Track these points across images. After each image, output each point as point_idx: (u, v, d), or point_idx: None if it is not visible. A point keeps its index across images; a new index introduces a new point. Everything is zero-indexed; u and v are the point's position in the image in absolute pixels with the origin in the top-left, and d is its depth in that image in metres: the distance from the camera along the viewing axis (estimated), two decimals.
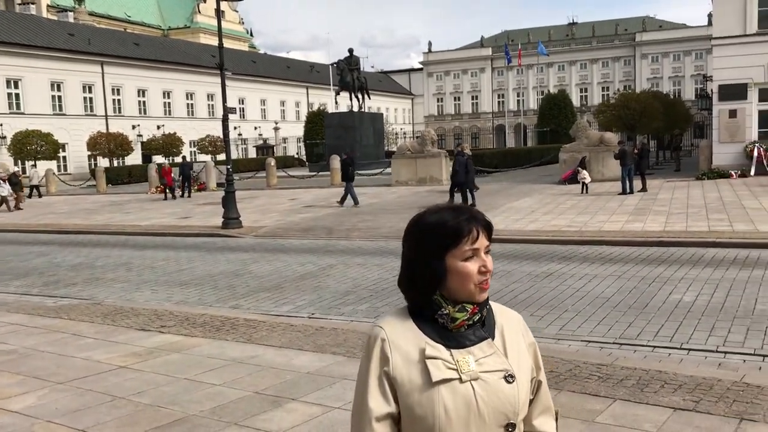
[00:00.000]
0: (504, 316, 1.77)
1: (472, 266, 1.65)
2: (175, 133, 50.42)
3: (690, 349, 6.37)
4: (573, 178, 24.51)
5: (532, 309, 8.09)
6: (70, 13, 69.68)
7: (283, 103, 74.24)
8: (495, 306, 1.78)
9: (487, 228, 1.68)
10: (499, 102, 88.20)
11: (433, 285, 1.67)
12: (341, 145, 38.72)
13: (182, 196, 30.09)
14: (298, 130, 63.61)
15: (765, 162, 23.94)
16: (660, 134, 38.97)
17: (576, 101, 72.86)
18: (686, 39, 78.90)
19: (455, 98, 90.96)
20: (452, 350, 1.64)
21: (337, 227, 16.89)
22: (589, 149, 26.00)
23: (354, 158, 23.60)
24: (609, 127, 32.06)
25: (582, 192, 21.68)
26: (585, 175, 22.22)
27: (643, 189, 21.51)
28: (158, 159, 46.81)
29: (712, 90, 32.97)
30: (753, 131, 24.90)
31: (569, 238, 13.19)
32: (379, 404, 1.64)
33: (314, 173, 38.08)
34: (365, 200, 22.34)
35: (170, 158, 47.72)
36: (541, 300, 8.51)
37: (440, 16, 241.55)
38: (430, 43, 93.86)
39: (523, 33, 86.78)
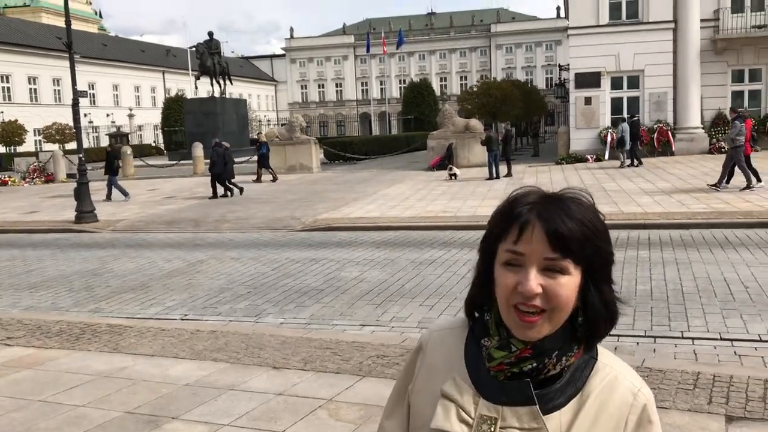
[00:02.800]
0: (608, 386, 1.17)
1: (509, 277, 1.13)
2: (16, 121, 46.17)
3: None
4: (441, 165, 24.78)
5: (421, 299, 7.81)
6: None
7: (137, 89, 70.29)
8: (608, 364, 1.20)
9: (556, 233, 1.11)
10: (363, 90, 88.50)
11: (477, 289, 1.22)
12: (203, 132, 37.13)
13: None
14: (155, 116, 60.54)
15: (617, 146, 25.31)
16: (518, 121, 40.47)
17: (437, 89, 74.43)
18: (537, 31, 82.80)
19: (319, 85, 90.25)
20: (481, 399, 1.17)
21: (203, 219, 15.95)
22: (456, 136, 26.37)
23: (117, 151, 22.69)
24: (472, 114, 32.77)
25: (450, 179, 21.88)
26: (455, 171, 22.40)
27: (509, 174, 22.08)
28: None
29: (564, 78, 34.65)
30: (606, 117, 26.27)
31: (446, 224, 13.12)
32: (392, 425, 1.35)
33: (174, 162, 36.22)
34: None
35: (11, 148, 43.75)
36: (429, 288, 8.24)
37: (301, 2, 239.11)
38: (292, 29, 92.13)
39: (385, 21, 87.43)
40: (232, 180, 20.46)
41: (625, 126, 22.79)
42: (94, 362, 5.83)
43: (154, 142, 61.97)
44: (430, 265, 9.57)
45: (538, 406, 1.14)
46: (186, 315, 7.73)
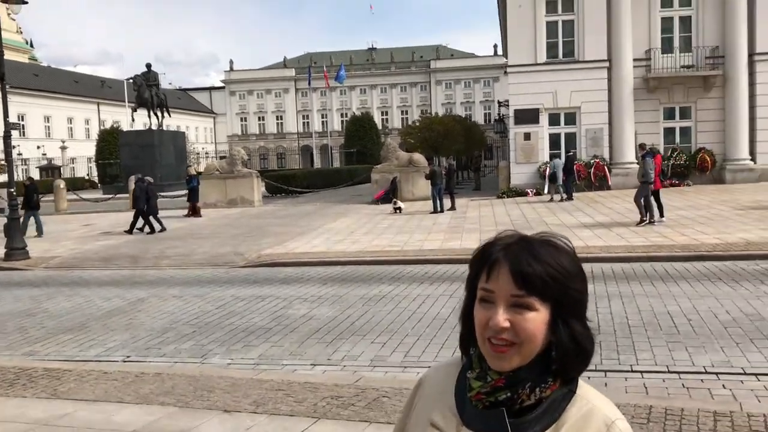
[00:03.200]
0: (583, 417, 1.23)
1: (482, 313, 1.23)
2: None
3: None
4: (386, 198, 24.88)
5: (372, 336, 7.72)
6: None
7: (70, 120, 68.58)
8: (585, 397, 1.25)
9: (520, 273, 1.21)
10: (304, 123, 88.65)
11: (464, 324, 1.31)
12: (139, 165, 36.37)
13: None
14: (89, 149, 59.05)
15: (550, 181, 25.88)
16: (459, 155, 41.10)
17: (378, 123, 75.23)
18: (475, 68, 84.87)
19: (259, 118, 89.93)
20: (464, 427, 1.28)
21: (142, 255, 15.49)
22: (400, 170, 26.55)
23: (37, 185, 21.80)
24: (415, 148, 33.12)
25: (395, 212, 21.98)
26: (400, 204, 22.56)
27: (452, 207, 22.30)
28: None
29: (503, 114, 35.46)
30: (545, 152, 26.91)
31: (394, 258, 13.09)
32: None
33: (110, 196, 35.26)
34: (171, 224, 20.87)
35: None
36: (380, 325, 8.16)
37: (240, 35, 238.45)
38: (231, 62, 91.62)
39: (326, 56, 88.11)
40: (157, 216, 20.14)
41: (558, 161, 23.63)
42: (31, 410, 5.52)
43: (88, 175, 60.32)
44: (380, 301, 9.49)
45: None
46: (128, 356, 7.43)
